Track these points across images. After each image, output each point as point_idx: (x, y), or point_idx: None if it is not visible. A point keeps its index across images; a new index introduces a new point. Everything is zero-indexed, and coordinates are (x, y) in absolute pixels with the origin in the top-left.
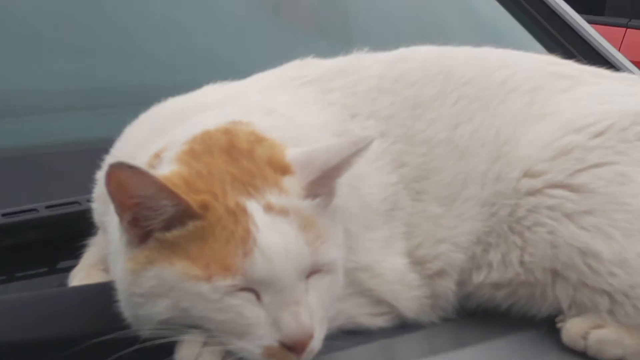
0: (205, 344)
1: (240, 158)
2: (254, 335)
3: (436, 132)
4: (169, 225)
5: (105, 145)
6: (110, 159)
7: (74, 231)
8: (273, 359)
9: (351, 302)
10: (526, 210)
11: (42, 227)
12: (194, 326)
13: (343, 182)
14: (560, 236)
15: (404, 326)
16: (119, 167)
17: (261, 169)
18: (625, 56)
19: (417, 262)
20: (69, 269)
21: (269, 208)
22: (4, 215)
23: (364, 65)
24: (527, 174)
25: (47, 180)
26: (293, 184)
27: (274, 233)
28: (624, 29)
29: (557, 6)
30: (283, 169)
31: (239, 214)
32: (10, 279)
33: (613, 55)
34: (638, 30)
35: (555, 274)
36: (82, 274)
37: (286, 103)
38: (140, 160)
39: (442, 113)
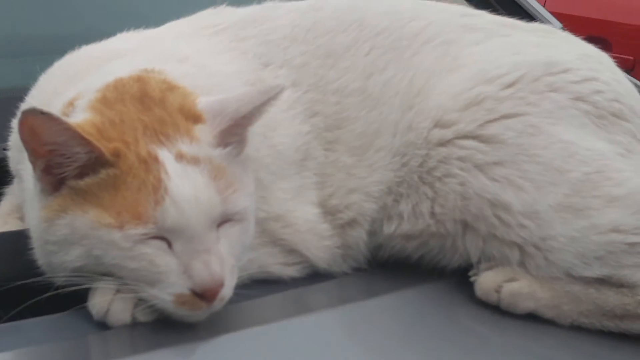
0: (117, 291)
1: (153, 106)
2: (165, 283)
3: (349, 82)
4: (81, 174)
5: (20, 94)
6: (24, 106)
7: None
8: (184, 306)
9: (263, 251)
10: (437, 161)
11: None
12: (106, 274)
13: (255, 131)
14: (470, 187)
15: (315, 276)
16: (32, 114)
17: (173, 117)
18: (547, 8)
19: (329, 212)
20: None
21: (180, 157)
22: None
23: (277, 14)
24: (438, 124)
25: None
26: (204, 133)
27: (185, 182)
28: None
29: None
30: (195, 118)
31: (150, 163)
32: None
33: (530, 5)
34: None
35: (465, 225)
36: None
37: (199, 51)
38: (54, 108)
39: (355, 63)
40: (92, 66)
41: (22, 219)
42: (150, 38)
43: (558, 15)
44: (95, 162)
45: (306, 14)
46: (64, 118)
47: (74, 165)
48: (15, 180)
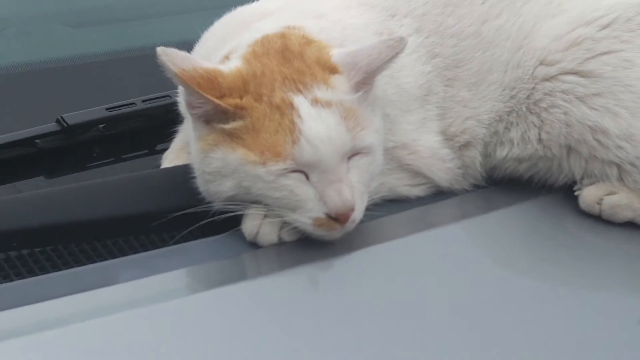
0: (265, 216)
1: (292, 59)
2: (304, 209)
3: (465, 27)
4: (224, 118)
5: (188, 48)
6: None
7: (167, 120)
8: (321, 227)
9: (392, 176)
10: (542, 94)
11: (140, 118)
12: (255, 202)
13: (383, 74)
14: (572, 116)
15: (439, 194)
16: (159, 57)
17: (311, 68)
18: None
19: (448, 138)
20: (164, 151)
21: (315, 101)
22: (107, 109)
23: None
24: (544, 62)
25: (142, 78)
26: (340, 82)
27: (318, 122)
28: None
29: None
30: (331, 69)
31: (285, 109)
32: (117, 161)
33: None
34: None
35: (569, 149)
36: (172, 156)
37: (334, 7)
38: (213, 60)
39: (471, 10)
40: (245, 24)
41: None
42: None
43: None
44: (224, 110)
45: None
46: (182, 69)
47: (201, 109)
48: (185, 120)
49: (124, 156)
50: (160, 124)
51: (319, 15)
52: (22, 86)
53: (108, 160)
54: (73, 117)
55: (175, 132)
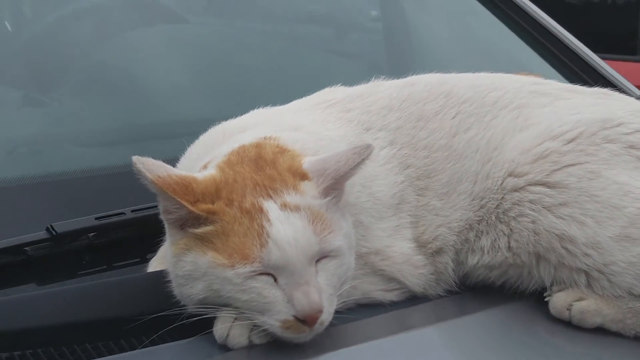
0: (236, 319)
1: (265, 166)
2: (273, 311)
3: (437, 140)
4: (193, 222)
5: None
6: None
7: (156, 229)
8: (290, 330)
9: (366, 280)
10: (511, 204)
11: (130, 227)
12: (226, 305)
13: (357, 182)
14: (540, 225)
15: (413, 299)
16: (134, 165)
17: (282, 174)
18: None
19: (421, 245)
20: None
21: (284, 206)
22: (97, 218)
23: (379, 90)
24: (512, 174)
25: (131, 189)
26: (310, 188)
27: (286, 226)
28: None
29: (574, 45)
30: (302, 175)
31: (254, 213)
32: (108, 269)
33: (617, 79)
34: None
35: (538, 256)
36: (156, 263)
37: (312, 121)
38: (194, 170)
39: (442, 124)
40: (226, 137)
41: None
42: (275, 113)
43: None
44: (196, 215)
45: (402, 89)
46: (158, 176)
47: (175, 214)
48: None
49: (115, 264)
50: (150, 233)
51: (296, 127)
52: (14, 196)
53: (99, 268)
54: (62, 225)
55: (163, 240)
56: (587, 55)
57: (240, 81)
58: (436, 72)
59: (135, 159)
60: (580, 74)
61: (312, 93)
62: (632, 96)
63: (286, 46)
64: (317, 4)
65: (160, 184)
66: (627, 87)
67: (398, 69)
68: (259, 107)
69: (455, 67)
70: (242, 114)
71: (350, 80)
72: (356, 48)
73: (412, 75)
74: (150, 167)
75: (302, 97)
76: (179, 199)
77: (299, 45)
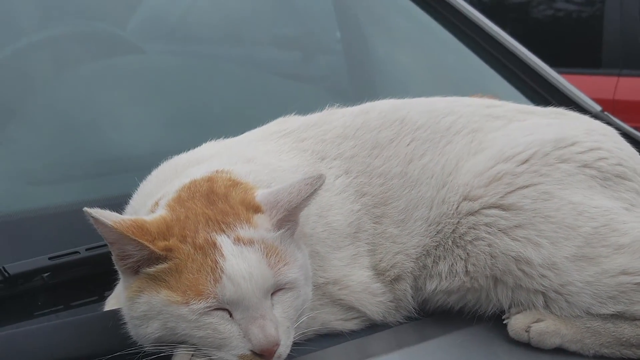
0: (193, 355)
1: (217, 201)
2: (230, 347)
3: (392, 167)
4: (149, 263)
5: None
6: (127, 208)
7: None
8: None
9: (324, 310)
10: (467, 228)
11: (85, 266)
12: (182, 342)
13: (312, 212)
14: (496, 247)
15: (373, 327)
16: (89, 215)
17: (235, 208)
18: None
19: (379, 272)
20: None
21: (237, 240)
22: (50, 258)
23: (332, 118)
24: (467, 198)
25: (85, 227)
26: (263, 220)
27: (239, 260)
28: (617, 77)
29: (535, 64)
30: (255, 208)
31: (207, 248)
32: (65, 308)
33: (575, 95)
34: (627, 78)
35: (495, 279)
36: (113, 301)
37: (265, 152)
38: (146, 207)
39: (397, 151)
40: (178, 171)
41: None
42: (227, 145)
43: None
44: (152, 255)
45: (357, 116)
46: (114, 221)
47: (136, 257)
48: None
49: (71, 303)
50: (105, 270)
51: (249, 159)
52: None
53: (55, 308)
54: (15, 267)
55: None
56: (544, 71)
57: (200, 111)
58: (394, 95)
59: (89, 211)
60: (539, 90)
61: (274, 119)
62: (591, 111)
63: (250, 72)
64: (282, 27)
65: (120, 228)
66: (586, 103)
67: (361, 90)
68: (215, 139)
69: (413, 82)
70: (199, 146)
71: (314, 104)
72: (321, 71)
73: (371, 99)
74: (105, 215)
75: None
76: (139, 240)
77: (263, 70)
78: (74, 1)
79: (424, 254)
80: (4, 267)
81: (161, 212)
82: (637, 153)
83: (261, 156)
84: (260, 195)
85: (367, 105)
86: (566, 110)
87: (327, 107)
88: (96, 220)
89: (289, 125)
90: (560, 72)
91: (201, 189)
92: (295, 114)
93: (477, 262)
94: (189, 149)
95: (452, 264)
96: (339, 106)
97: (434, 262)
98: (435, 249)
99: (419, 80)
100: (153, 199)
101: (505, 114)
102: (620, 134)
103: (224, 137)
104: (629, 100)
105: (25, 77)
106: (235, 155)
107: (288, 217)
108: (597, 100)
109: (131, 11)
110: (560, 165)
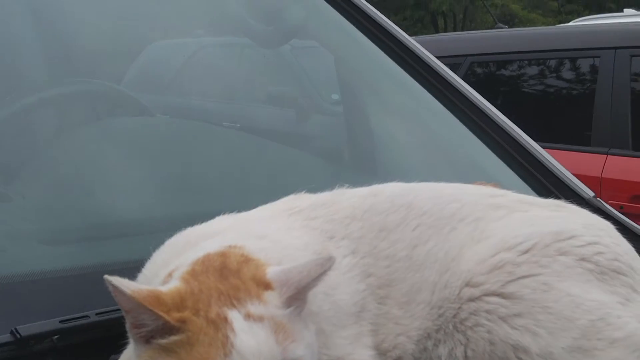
0: None
1: (229, 276)
2: None
3: (398, 251)
4: (163, 333)
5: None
6: (139, 276)
7: (121, 332)
8: None
9: None
10: (468, 313)
11: (94, 330)
12: None
13: (319, 291)
14: (496, 334)
15: None
16: (108, 283)
17: (246, 284)
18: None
19: (381, 352)
20: None
21: (248, 316)
22: (61, 321)
23: (342, 199)
24: (468, 284)
25: (95, 291)
26: (273, 298)
27: (249, 336)
28: (605, 155)
29: (532, 148)
30: (265, 285)
31: (219, 323)
32: None
33: (572, 181)
34: (615, 157)
35: None
36: None
37: (277, 229)
38: (159, 278)
39: (403, 235)
40: (192, 243)
41: None
42: (240, 219)
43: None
44: (165, 326)
45: (366, 199)
46: (133, 290)
47: (150, 327)
48: None
49: None
50: (114, 335)
51: (261, 236)
52: None
53: None
54: (27, 328)
55: (127, 342)
56: (541, 155)
57: (193, 174)
58: (397, 180)
59: (109, 278)
60: (535, 172)
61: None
62: (584, 197)
63: (245, 134)
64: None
65: (137, 297)
66: (579, 188)
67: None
68: (226, 212)
69: (412, 160)
70: (209, 208)
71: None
72: (315, 130)
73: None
74: (125, 283)
75: (274, 192)
76: (155, 310)
77: (258, 129)
78: (69, 60)
79: (425, 337)
80: (16, 329)
81: (175, 284)
82: (633, 249)
83: (273, 233)
84: (271, 272)
85: (376, 188)
86: (565, 203)
87: (336, 187)
88: (115, 288)
89: (299, 203)
90: (547, 148)
91: (215, 263)
92: (305, 192)
93: (477, 348)
94: (200, 214)
95: (452, 348)
96: (348, 187)
97: (434, 345)
98: (436, 332)
99: (413, 151)
100: (166, 269)
101: (507, 204)
102: (611, 220)
103: (219, 202)
104: (616, 179)
105: (38, 133)
106: (248, 231)
107: (297, 296)
108: (585, 178)
109: (125, 67)
110: (559, 257)
